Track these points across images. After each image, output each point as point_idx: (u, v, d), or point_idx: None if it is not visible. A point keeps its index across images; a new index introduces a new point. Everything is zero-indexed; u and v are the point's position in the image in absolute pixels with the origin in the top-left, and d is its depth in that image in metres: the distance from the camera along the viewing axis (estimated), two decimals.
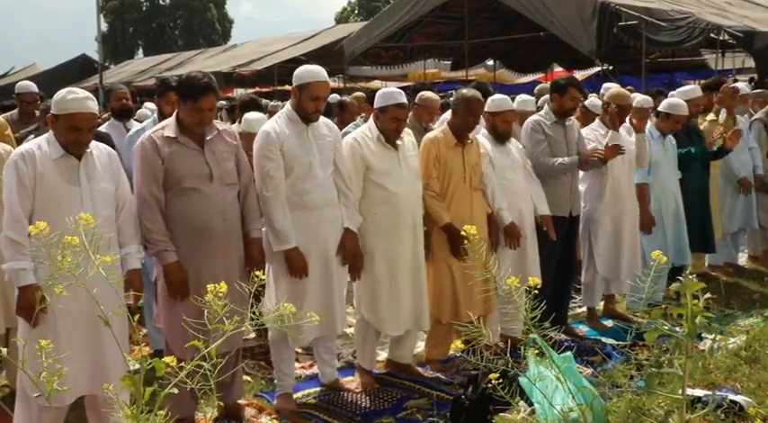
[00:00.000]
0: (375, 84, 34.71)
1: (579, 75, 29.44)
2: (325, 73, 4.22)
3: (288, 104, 4.25)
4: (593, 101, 6.30)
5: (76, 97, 3.44)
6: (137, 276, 3.58)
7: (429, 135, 4.83)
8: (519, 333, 4.83)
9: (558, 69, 29.44)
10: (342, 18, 61.98)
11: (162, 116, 4.80)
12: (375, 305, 4.45)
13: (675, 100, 6.02)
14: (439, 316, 4.71)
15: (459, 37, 23.70)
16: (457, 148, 4.71)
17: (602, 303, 5.85)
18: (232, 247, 3.79)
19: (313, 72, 4.17)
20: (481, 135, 5.09)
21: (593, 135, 5.50)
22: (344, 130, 5.88)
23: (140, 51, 64.97)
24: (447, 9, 22.04)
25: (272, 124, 4.10)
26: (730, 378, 3.87)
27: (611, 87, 6.36)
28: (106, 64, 35.79)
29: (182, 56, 40.45)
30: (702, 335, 4.81)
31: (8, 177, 3.35)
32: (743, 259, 7.32)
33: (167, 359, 1.83)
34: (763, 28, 17.24)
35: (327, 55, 27.68)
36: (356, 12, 63.25)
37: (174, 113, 3.85)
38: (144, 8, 70.05)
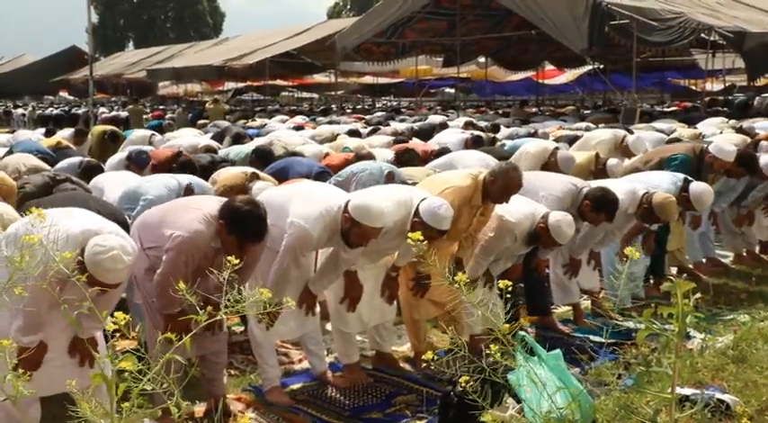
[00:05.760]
0: (367, 79, 34.95)
1: (570, 73, 29.72)
2: (387, 222, 4.12)
3: (337, 216, 4.11)
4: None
5: (114, 269, 3.21)
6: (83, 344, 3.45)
7: (465, 183, 4.68)
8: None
9: (549, 67, 29.62)
10: (334, 13, 62.09)
11: None
12: (340, 308, 4.52)
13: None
14: (416, 314, 4.81)
15: (452, 34, 23.71)
16: (477, 206, 4.69)
17: (587, 303, 5.87)
18: None
19: (378, 218, 4.04)
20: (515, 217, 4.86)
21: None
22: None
23: (131, 43, 64.81)
24: (439, 5, 22.09)
25: (319, 229, 4.06)
26: (717, 377, 3.90)
27: (726, 150, 6.39)
28: (96, 56, 35.67)
29: (172, 49, 40.45)
30: (690, 334, 4.86)
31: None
32: (728, 259, 7.34)
33: (126, 364, 1.82)
34: (753, 28, 17.33)
35: (319, 50, 27.74)
36: (348, 6, 63.27)
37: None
38: (134, 0, 69.74)
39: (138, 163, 7.15)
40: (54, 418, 3.48)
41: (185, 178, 5.47)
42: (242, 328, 5.14)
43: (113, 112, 26.35)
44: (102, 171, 6.82)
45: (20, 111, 33.15)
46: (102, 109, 28.23)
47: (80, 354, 3.47)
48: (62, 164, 7.09)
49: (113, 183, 5.88)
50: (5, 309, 3.27)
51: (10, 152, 8.40)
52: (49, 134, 12.28)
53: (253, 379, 4.48)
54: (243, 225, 3.66)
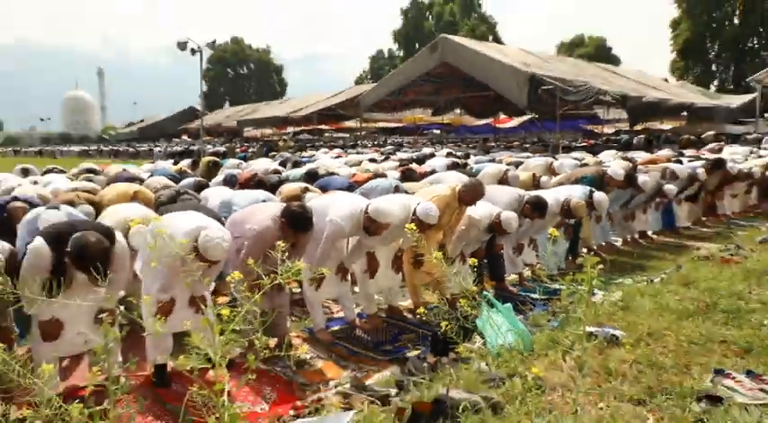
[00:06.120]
0: (381, 124, 34.95)
1: (516, 120, 29.56)
2: (395, 219, 4.04)
3: (360, 215, 4.09)
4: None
5: (217, 252, 3.17)
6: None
7: (447, 193, 4.63)
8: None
9: (503, 116, 29.54)
10: (359, 80, 62.15)
11: None
12: (363, 277, 4.53)
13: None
14: (415, 281, 4.79)
15: (438, 94, 23.74)
16: (455, 208, 4.66)
17: (528, 272, 5.83)
18: None
19: (388, 216, 4.00)
20: (479, 215, 4.80)
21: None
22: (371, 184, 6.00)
23: (227, 103, 65.44)
24: (429, 75, 22.18)
25: (349, 224, 4.04)
26: (611, 320, 3.86)
27: (619, 173, 6.48)
28: (205, 112, 35.84)
29: (253, 106, 40.68)
30: (595, 292, 4.83)
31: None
32: (618, 243, 7.25)
33: (223, 311, 1.81)
34: (632, 93, 17.90)
35: (349, 105, 27.80)
36: (369, 77, 63.30)
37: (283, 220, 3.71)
38: (230, 76, 71.14)
39: (230, 183, 7.14)
40: (179, 350, 3.51)
41: (263, 195, 5.41)
42: (299, 290, 5.15)
43: (215, 148, 26.44)
44: (207, 187, 6.82)
45: (158, 149, 33.40)
46: (208, 146, 28.36)
47: (195, 305, 3.49)
48: (183, 182, 7.08)
49: (215, 195, 5.87)
50: (149, 276, 3.33)
51: (151, 175, 8.45)
52: (175, 164, 12.33)
53: (306, 323, 4.47)
54: (296, 221, 3.68)
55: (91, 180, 7.24)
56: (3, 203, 4.62)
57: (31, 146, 54.32)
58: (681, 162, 9.03)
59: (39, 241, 3.07)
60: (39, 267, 3.01)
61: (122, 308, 3.36)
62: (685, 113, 22.72)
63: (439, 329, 3.35)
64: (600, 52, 48.95)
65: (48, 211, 4.00)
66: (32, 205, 4.53)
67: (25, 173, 9.04)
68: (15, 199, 4.69)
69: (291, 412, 3.05)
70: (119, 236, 3.33)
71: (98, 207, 4.79)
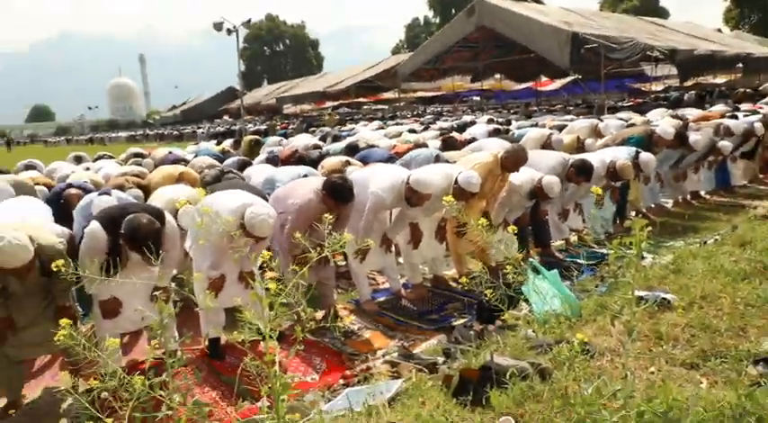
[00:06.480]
0: (419, 93, 34.51)
1: (559, 82, 28.63)
2: (436, 189, 4.00)
3: (401, 187, 4.09)
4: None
5: (263, 228, 3.20)
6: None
7: (489, 160, 4.59)
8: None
9: (544, 79, 28.68)
10: (396, 50, 61.43)
11: None
12: (407, 247, 4.54)
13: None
14: (459, 249, 4.77)
15: (476, 59, 23.22)
16: (498, 175, 4.60)
17: (575, 237, 5.72)
18: None
19: (429, 186, 4.00)
20: (520, 180, 4.75)
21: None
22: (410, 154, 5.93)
23: (265, 82, 66.15)
24: (467, 41, 21.75)
25: (390, 196, 4.06)
26: (662, 283, 3.76)
27: (668, 132, 6.20)
28: (244, 91, 36.23)
29: (291, 82, 40.78)
30: (644, 255, 4.70)
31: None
32: (669, 204, 7.00)
33: (271, 285, 1.85)
34: (682, 47, 17.01)
35: (387, 76, 27.56)
36: (405, 46, 62.48)
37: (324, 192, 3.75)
38: (267, 54, 71.71)
39: (272, 161, 7.23)
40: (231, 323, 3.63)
41: (305, 170, 5.47)
42: (344, 263, 5.21)
43: (256, 127, 26.75)
44: (251, 165, 6.91)
45: (200, 130, 34.12)
46: (249, 125, 28.69)
47: (244, 281, 3.58)
48: (227, 162, 7.20)
49: (258, 173, 5.94)
50: (199, 254, 3.43)
51: (196, 156, 8.63)
52: (218, 144, 12.55)
53: (353, 295, 4.54)
54: (337, 193, 3.71)
55: (139, 164, 7.48)
56: (59, 190, 4.84)
57: (81, 134, 56.40)
58: (736, 117, 8.60)
59: (94, 225, 3.22)
60: (96, 250, 3.16)
61: (175, 285, 3.49)
62: (741, 65, 21.53)
63: (484, 297, 3.36)
64: (646, 5, 46.64)
65: (100, 197, 4.16)
66: (86, 191, 4.72)
67: (78, 160, 9.41)
68: (70, 186, 4.89)
69: (341, 381, 3.13)
70: (168, 216, 3.44)
71: (146, 190, 4.96)
